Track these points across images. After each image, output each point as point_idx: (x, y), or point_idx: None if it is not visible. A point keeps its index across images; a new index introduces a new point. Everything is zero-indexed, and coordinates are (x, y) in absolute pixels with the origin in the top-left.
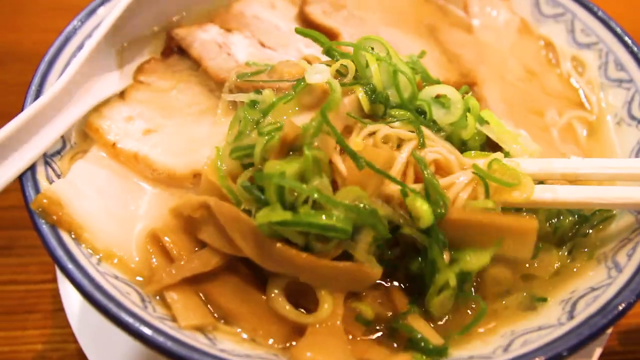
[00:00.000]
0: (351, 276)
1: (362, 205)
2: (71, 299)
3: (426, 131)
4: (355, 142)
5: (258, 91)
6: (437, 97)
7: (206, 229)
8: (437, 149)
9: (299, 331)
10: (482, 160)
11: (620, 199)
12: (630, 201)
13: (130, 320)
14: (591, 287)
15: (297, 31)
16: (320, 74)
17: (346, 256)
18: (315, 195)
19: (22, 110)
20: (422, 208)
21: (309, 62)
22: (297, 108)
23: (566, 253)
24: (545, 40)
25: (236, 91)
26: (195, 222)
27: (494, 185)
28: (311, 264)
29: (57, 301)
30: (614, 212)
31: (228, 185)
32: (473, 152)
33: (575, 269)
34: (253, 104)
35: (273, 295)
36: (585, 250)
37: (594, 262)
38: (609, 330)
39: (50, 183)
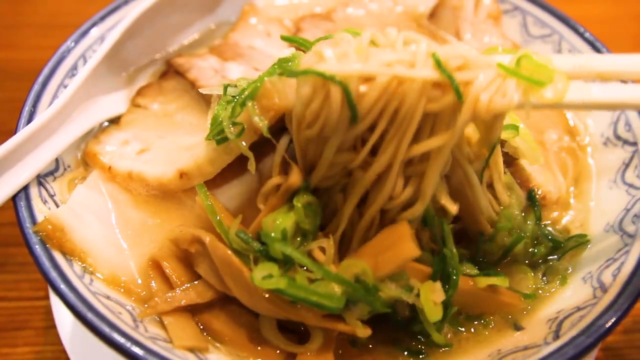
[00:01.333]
0: (339, 330)
1: (360, 284)
2: (63, 316)
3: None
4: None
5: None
6: None
7: (202, 264)
8: (456, 47)
9: (293, 356)
10: (508, 56)
11: None
12: None
13: (121, 340)
14: (577, 307)
15: (283, 38)
16: (287, 51)
17: None
18: (315, 269)
19: (16, 130)
20: (433, 310)
21: None
22: None
23: (540, 276)
24: None
25: None
26: (192, 255)
27: (524, 83)
28: (299, 317)
29: (49, 318)
30: (588, 237)
31: (224, 229)
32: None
33: (553, 289)
34: (226, 89)
35: (265, 326)
36: (559, 275)
37: (578, 283)
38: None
39: (44, 203)
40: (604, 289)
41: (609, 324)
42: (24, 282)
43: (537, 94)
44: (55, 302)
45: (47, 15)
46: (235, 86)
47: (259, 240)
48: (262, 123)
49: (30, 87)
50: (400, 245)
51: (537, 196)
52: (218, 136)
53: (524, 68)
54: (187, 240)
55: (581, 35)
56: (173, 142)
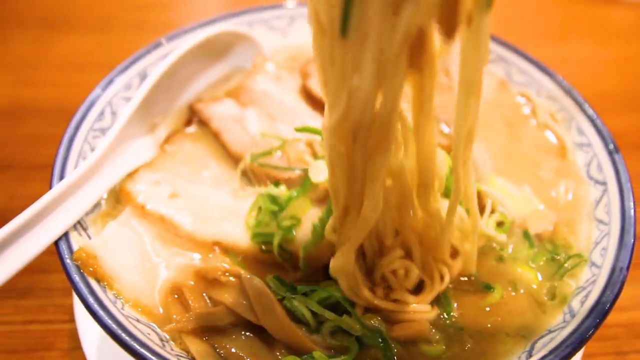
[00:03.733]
0: None
1: (378, 334)
2: (88, 338)
3: None
4: None
5: (277, 183)
6: None
7: (230, 292)
8: None
9: None
10: None
11: None
12: None
13: (152, 357)
14: (549, 329)
15: (297, 130)
16: (322, 174)
17: None
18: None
19: (52, 170)
20: (431, 350)
21: (312, 149)
22: (307, 203)
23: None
24: (523, 94)
25: (250, 173)
26: (220, 284)
27: None
28: (313, 348)
29: (73, 340)
30: (585, 257)
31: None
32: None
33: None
34: (269, 197)
35: (279, 354)
36: (560, 295)
37: (554, 309)
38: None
39: (80, 235)
40: (572, 314)
41: (573, 346)
42: (50, 306)
43: None
44: (82, 325)
45: (66, 55)
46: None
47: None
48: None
49: (52, 123)
50: (418, 322)
51: (532, 235)
52: (265, 246)
53: None
54: (219, 270)
55: (559, 83)
56: (203, 194)
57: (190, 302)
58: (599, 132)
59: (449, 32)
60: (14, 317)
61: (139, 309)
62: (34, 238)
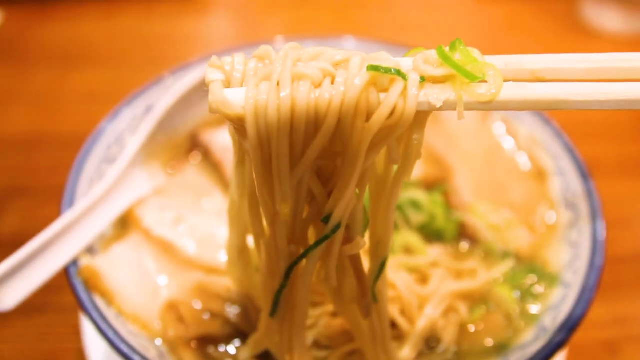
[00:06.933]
0: None
1: None
2: (94, 355)
3: None
4: None
5: None
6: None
7: (228, 305)
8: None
9: None
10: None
11: (605, 94)
12: (615, 97)
13: None
14: (522, 345)
15: None
16: None
17: None
18: None
19: (65, 191)
20: None
21: None
22: None
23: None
24: (504, 121)
25: None
26: (220, 298)
27: (457, 78)
28: None
29: (81, 357)
30: (558, 278)
31: None
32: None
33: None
34: None
35: None
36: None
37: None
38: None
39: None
40: (544, 331)
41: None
42: (60, 325)
43: (470, 91)
44: (88, 343)
45: (83, 87)
46: None
47: None
48: None
49: (68, 150)
50: None
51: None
52: None
53: (460, 60)
54: (225, 289)
55: (538, 114)
56: (205, 222)
57: (184, 315)
58: (575, 160)
59: (364, 315)
60: (25, 335)
61: (137, 322)
62: (45, 262)
